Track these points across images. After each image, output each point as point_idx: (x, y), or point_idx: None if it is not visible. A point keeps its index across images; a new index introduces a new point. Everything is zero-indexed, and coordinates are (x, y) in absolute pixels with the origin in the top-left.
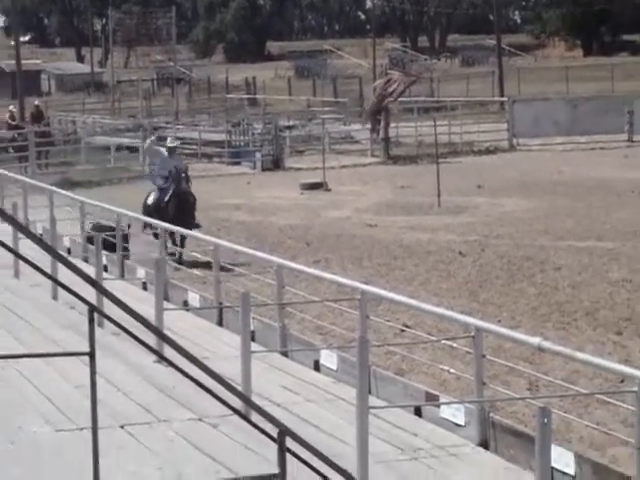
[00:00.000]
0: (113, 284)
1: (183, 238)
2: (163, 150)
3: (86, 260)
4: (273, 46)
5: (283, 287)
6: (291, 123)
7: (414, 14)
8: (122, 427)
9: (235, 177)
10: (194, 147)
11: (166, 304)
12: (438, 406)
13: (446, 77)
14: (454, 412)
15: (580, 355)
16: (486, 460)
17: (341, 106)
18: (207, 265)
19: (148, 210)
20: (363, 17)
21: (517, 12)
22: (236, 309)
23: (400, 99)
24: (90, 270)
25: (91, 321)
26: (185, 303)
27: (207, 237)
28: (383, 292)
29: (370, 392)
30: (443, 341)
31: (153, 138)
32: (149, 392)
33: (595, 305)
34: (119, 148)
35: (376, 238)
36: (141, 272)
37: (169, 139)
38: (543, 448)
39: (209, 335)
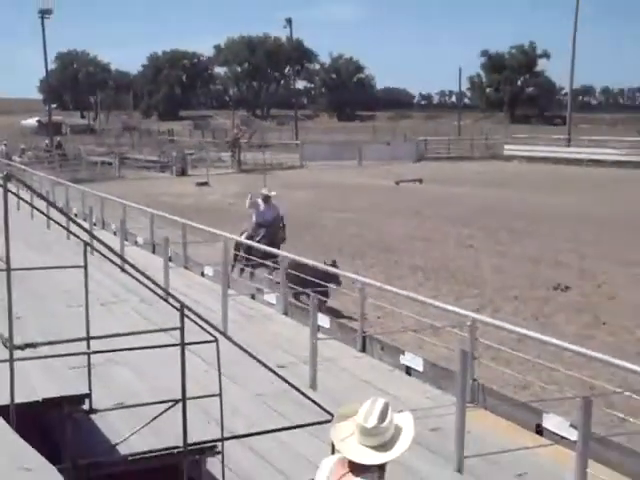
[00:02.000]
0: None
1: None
2: (260, 201)
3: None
4: (183, 113)
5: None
6: (191, 151)
7: (254, 97)
8: (102, 305)
9: (161, 179)
10: (140, 162)
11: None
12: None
13: (270, 130)
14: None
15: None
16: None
17: (216, 144)
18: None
19: (238, 246)
20: (228, 99)
21: (306, 98)
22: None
23: (247, 142)
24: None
25: (85, 252)
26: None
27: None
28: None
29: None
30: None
31: (251, 194)
32: (114, 286)
33: (339, 245)
34: (103, 163)
35: (232, 211)
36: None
37: (265, 189)
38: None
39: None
